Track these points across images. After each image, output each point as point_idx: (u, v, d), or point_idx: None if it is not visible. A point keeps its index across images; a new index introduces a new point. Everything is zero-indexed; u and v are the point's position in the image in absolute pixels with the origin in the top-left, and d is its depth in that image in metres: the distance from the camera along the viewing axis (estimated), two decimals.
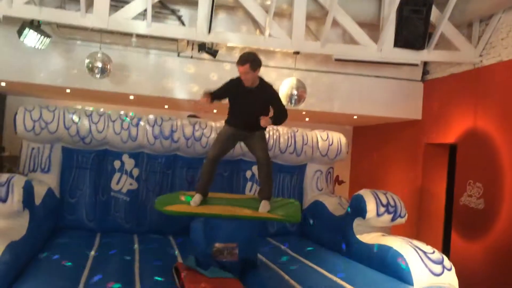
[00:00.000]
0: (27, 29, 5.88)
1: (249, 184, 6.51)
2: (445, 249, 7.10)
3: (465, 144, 6.82)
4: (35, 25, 5.91)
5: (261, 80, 4.46)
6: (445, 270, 4.02)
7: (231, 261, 4.35)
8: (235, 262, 4.37)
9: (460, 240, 6.72)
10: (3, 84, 7.15)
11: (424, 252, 4.12)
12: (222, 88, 4.47)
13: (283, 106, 4.56)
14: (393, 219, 4.90)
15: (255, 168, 6.52)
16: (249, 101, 4.38)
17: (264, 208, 4.47)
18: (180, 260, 4.84)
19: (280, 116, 4.45)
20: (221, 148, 4.58)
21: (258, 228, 4.56)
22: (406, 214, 4.98)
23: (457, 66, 7.17)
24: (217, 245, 4.32)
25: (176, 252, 5.22)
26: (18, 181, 4.16)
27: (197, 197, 4.50)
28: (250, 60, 4.24)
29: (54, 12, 5.99)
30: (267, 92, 4.45)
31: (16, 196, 4.05)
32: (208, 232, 4.34)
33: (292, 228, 6.58)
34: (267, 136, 6.26)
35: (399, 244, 4.30)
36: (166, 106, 8.68)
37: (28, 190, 4.25)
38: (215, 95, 4.38)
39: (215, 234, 4.35)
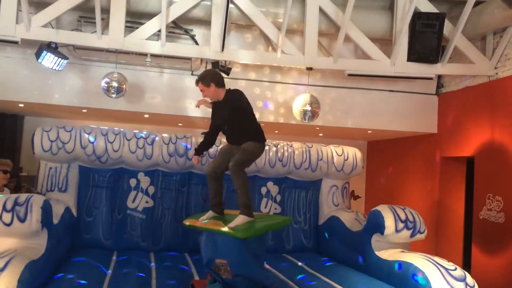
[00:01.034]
0: (44, 51, 5.99)
1: (264, 200, 6.48)
2: (466, 264, 6.96)
3: (483, 157, 6.73)
4: (52, 47, 6.02)
5: (227, 91, 4.38)
6: None
7: (228, 279, 4.15)
8: (231, 280, 4.15)
9: (481, 255, 6.58)
10: (21, 105, 7.29)
11: (446, 269, 4.04)
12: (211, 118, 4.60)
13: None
14: (412, 235, 4.82)
15: (270, 185, 6.53)
16: (222, 117, 4.43)
17: (234, 222, 4.14)
18: (196, 277, 4.82)
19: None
20: (214, 162, 4.50)
21: (249, 246, 4.13)
22: (426, 230, 4.90)
23: (472, 79, 7.13)
24: (216, 261, 4.16)
25: (192, 269, 5.20)
26: (37, 201, 4.20)
27: (207, 214, 4.47)
28: (201, 78, 4.36)
29: (71, 34, 6.13)
30: (229, 100, 4.35)
31: (35, 216, 4.08)
32: (203, 248, 4.28)
33: (309, 244, 6.52)
34: (281, 151, 6.29)
35: (420, 261, 4.23)
36: (180, 124, 8.75)
37: (46, 210, 4.28)
38: (203, 146, 4.64)
39: (208, 250, 4.22)
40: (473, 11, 6.22)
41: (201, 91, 4.38)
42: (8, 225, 3.98)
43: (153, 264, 5.31)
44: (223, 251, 4.08)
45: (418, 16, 6.27)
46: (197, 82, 4.39)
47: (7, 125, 8.49)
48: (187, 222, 4.45)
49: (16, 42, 5.82)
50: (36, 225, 4.09)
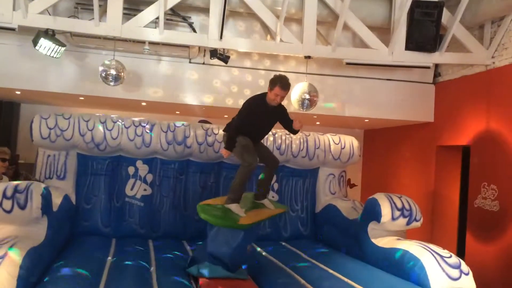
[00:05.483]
0: (41, 39, 5.96)
1: None
2: (460, 252, 7.05)
3: (478, 146, 6.79)
4: (49, 34, 5.99)
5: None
6: (463, 275, 4.01)
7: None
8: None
9: (475, 243, 6.67)
10: (18, 92, 7.26)
11: (441, 256, 4.11)
12: (245, 114, 4.55)
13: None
14: (408, 223, 4.88)
15: None
16: (269, 119, 4.69)
17: (270, 204, 4.96)
18: None
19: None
20: (255, 156, 4.57)
21: None
22: (422, 218, 4.97)
23: (469, 68, 7.15)
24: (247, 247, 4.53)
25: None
26: (37, 188, 4.22)
27: (239, 207, 4.53)
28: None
29: (68, 21, 6.09)
30: (281, 107, 4.74)
31: (35, 203, 4.11)
32: (247, 238, 4.43)
33: (306, 232, 6.59)
34: (279, 140, 6.34)
35: (416, 248, 4.29)
36: (177, 112, 8.75)
37: (46, 197, 4.31)
38: (234, 137, 4.51)
39: (249, 238, 4.50)
40: (472, 0, 6.22)
41: (283, 96, 4.52)
42: (9, 212, 4.00)
43: (151, 251, 5.36)
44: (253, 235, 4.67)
45: (416, 5, 6.26)
46: (289, 89, 4.54)
47: (3, 112, 8.45)
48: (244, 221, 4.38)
49: (13, 29, 5.78)
50: (36, 212, 4.12)
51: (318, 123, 9.19)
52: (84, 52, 6.83)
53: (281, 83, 4.42)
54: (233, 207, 4.48)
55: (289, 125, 4.70)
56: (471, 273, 4.08)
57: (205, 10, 6.35)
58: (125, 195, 6.08)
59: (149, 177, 6.17)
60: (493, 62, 6.66)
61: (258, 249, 5.79)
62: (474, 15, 6.47)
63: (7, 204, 4.01)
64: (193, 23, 6.76)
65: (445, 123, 7.62)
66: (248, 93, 7.20)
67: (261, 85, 7.27)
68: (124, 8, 6.05)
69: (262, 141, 5.04)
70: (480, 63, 6.81)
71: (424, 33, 6.36)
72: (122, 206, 6.06)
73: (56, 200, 4.94)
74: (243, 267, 4.53)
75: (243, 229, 4.32)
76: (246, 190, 4.80)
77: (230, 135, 4.55)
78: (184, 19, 6.74)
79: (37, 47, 6.00)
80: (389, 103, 7.75)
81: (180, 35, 6.48)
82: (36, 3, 5.78)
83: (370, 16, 6.60)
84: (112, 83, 6.36)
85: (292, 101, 6.77)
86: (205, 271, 4.36)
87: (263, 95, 4.57)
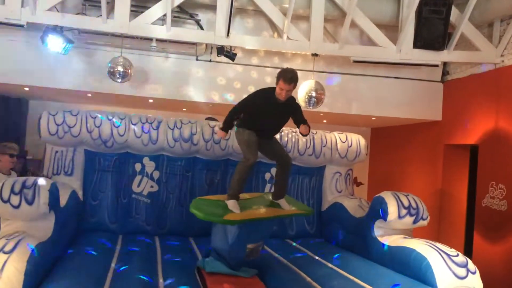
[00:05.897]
0: (50, 35, 5.99)
1: (268, 186, 6.52)
2: (467, 252, 7.01)
3: (487, 145, 6.74)
4: (57, 31, 6.02)
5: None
6: (470, 273, 3.98)
7: (255, 258, 4.60)
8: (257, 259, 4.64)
9: (483, 242, 6.62)
10: (26, 89, 7.30)
11: (448, 255, 4.08)
12: (246, 103, 4.48)
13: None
14: (415, 222, 4.85)
15: (274, 171, 6.52)
16: (277, 113, 4.45)
17: (286, 205, 4.73)
18: None
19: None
20: (255, 152, 4.46)
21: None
22: (429, 216, 4.94)
23: (478, 67, 7.09)
24: (249, 246, 4.43)
25: (197, 253, 5.26)
26: (44, 184, 4.24)
27: (236, 204, 4.41)
28: (297, 79, 4.32)
29: (76, 18, 6.11)
30: (292, 104, 4.53)
31: (42, 198, 4.13)
32: (244, 236, 4.36)
33: (312, 230, 6.58)
34: (286, 138, 6.33)
35: (422, 247, 4.26)
36: (184, 109, 8.76)
37: (53, 193, 4.33)
38: (231, 120, 4.51)
39: (249, 236, 4.42)
40: None
41: (290, 90, 4.30)
42: (16, 207, 4.02)
43: (158, 248, 5.38)
44: (264, 234, 4.65)
45: (425, 2, 6.21)
46: (295, 82, 4.29)
47: (12, 109, 8.51)
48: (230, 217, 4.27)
49: (21, 26, 5.80)
50: (43, 208, 4.15)
51: (325, 121, 9.16)
52: (92, 49, 6.85)
53: (285, 76, 4.19)
54: (230, 203, 4.39)
55: (299, 125, 4.49)
56: (478, 272, 4.05)
57: (212, 7, 6.35)
58: (132, 191, 6.10)
59: (156, 174, 6.19)
60: (502, 61, 6.60)
61: (264, 246, 5.79)
62: (483, 13, 6.41)
63: (15, 199, 4.03)
64: (200, 20, 6.77)
65: (453, 122, 7.57)
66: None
67: (269, 82, 7.27)
68: (132, 5, 6.06)
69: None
70: (489, 62, 6.75)
71: (433, 31, 6.32)
72: (129, 202, 6.09)
73: (64, 196, 4.96)
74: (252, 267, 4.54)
75: (233, 225, 4.28)
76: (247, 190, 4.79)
77: (228, 116, 4.49)
78: (191, 16, 6.75)
79: (45, 44, 6.03)
80: (396, 101, 7.71)
81: (187, 32, 6.49)
82: (44, 0, 5.81)
83: (377, 14, 6.57)
84: (119, 80, 6.38)
85: (299, 98, 6.75)
86: (207, 265, 4.40)
87: (272, 89, 4.40)
